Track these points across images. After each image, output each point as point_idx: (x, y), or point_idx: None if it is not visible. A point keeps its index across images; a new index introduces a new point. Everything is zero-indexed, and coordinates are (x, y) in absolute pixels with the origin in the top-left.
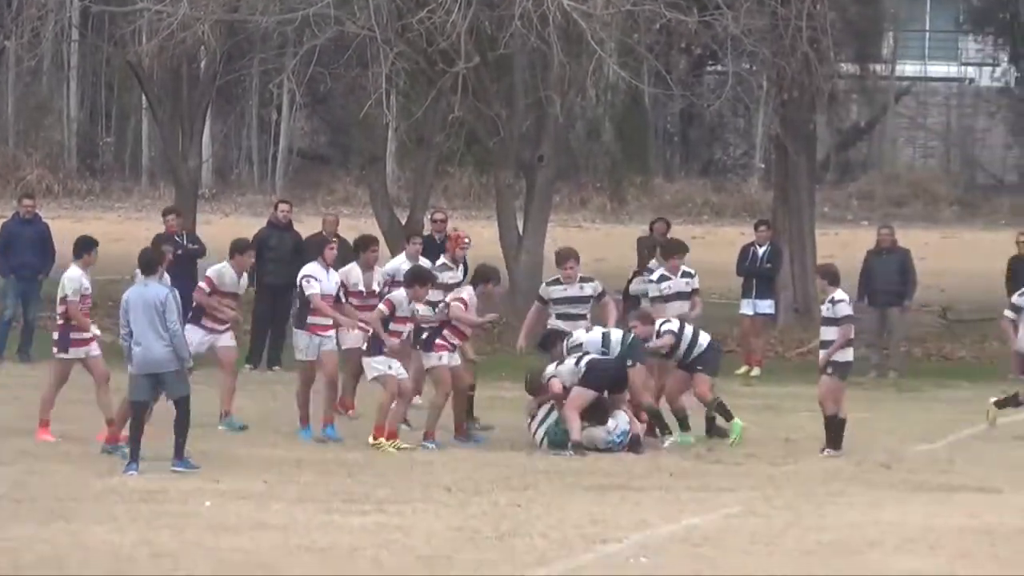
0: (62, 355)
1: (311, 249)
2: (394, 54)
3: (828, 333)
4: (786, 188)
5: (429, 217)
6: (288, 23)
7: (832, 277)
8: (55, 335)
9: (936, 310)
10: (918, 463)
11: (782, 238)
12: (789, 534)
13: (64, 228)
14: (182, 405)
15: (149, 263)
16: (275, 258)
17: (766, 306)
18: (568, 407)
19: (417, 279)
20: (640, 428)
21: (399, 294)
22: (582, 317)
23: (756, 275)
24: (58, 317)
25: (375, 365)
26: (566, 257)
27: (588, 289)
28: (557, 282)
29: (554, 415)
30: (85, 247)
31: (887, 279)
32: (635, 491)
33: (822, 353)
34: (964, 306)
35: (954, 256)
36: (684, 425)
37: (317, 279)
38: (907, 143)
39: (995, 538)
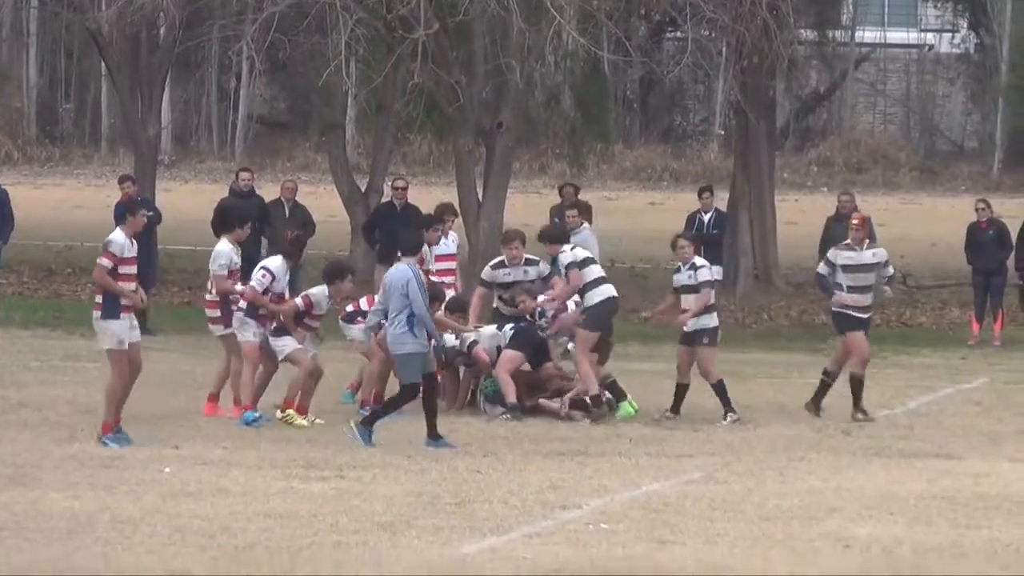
0: (227, 329)
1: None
2: (353, 21)
3: (688, 301)
4: (746, 154)
5: (390, 184)
6: None
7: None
8: (214, 312)
9: (896, 276)
10: (878, 429)
11: (742, 205)
12: (749, 500)
13: (23, 195)
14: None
15: (411, 246)
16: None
17: (716, 272)
18: (500, 370)
19: (337, 274)
20: (599, 391)
21: (320, 292)
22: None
23: (703, 241)
24: (209, 293)
25: (281, 346)
26: (512, 238)
27: (532, 273)
28: (502, 264)
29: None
30: (237, 221)
31: None
32: (594, 457)
33: (690, 322)
34: (924, 273)
35: (914, 222)
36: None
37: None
38: (866, 109)
39: (954, 503)
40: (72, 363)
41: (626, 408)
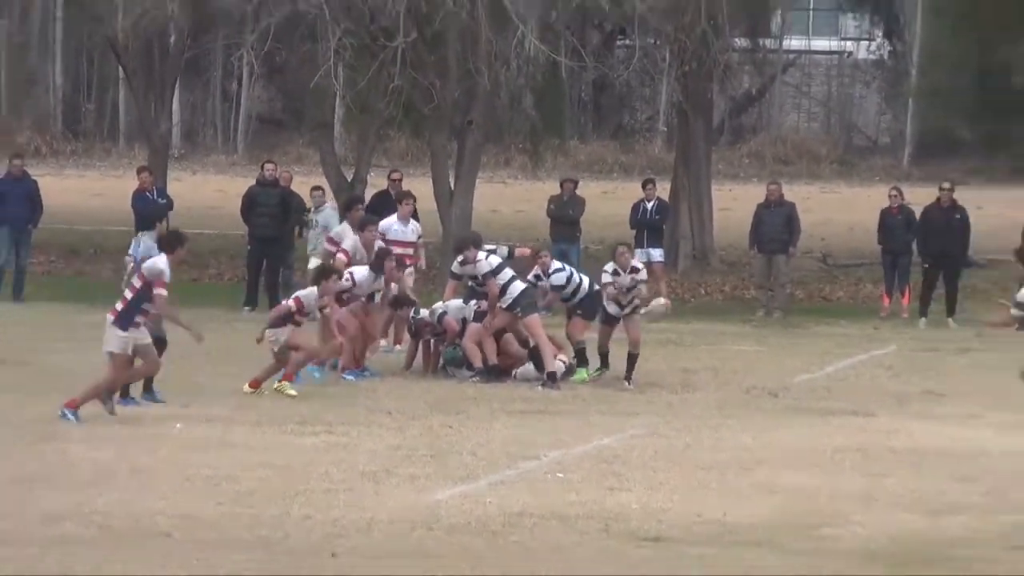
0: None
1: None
2: (341, 30)
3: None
4: (686, 149)
5: (388, 176)
6: (247, 2)
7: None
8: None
9: (817, 256)
10: (801, 391)
11: (683, 194)
12: (688, 453)
13: (50, 185)
14: None
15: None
16: (264, 212)
17: (657, 254)
18: (466, 340)
19: (323, 275)
20: (559, 367)
21: (310, 295)
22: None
23: (646, 227)
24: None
25: (279, 335)
26: (462, 248)
27: (485, 266)
28: (464, 261)
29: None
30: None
31: (774, 229)
32: (552, 415)
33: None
34: (842, 253)
35: (833, 209)
36: (583, 360)
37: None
38: (792, 109)
39: (866, 455)
40: (95, 333)
41: (581, 374)
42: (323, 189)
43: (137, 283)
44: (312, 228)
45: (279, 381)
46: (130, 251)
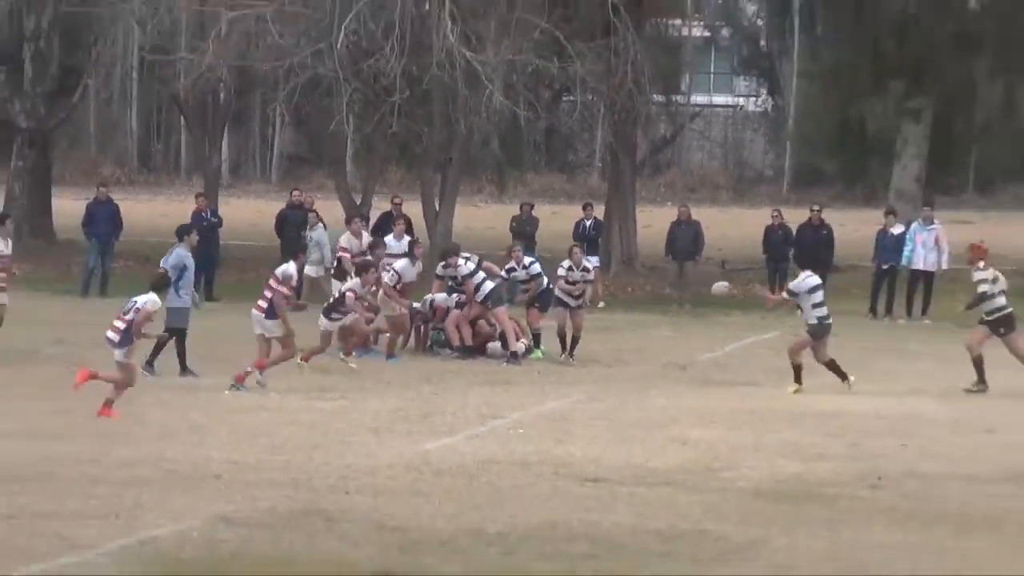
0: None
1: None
2: (351, 89)
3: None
4: (616, 180)
5: (391, 200)
6: (279, 68)
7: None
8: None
9: (717, 262)
10: (705, 366)
11: (614, 215)
12: (618, 413)
13: (128, 208)
14: None
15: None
16: (292, 228)
17: (594, 261)
18: (448, 324)
19: (363, 269)
20: (520, 347)
21: (357, 285)
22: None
23: (586, 240)
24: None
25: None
26: (449, 255)
27: (464, 270)
28: (445, 266)
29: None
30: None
31: (685, 241)
32: (514, 385)
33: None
34: (737, 260)
35: (730, 227)
36: (537, 343)
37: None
38: (698, 149)
39: (755, 416)
40: (160, 319)
41: (537, 353)
42: (316, 212)
43: (273, 283)
44: (309, 243)
45: (343, 355)
46: (162, 262)
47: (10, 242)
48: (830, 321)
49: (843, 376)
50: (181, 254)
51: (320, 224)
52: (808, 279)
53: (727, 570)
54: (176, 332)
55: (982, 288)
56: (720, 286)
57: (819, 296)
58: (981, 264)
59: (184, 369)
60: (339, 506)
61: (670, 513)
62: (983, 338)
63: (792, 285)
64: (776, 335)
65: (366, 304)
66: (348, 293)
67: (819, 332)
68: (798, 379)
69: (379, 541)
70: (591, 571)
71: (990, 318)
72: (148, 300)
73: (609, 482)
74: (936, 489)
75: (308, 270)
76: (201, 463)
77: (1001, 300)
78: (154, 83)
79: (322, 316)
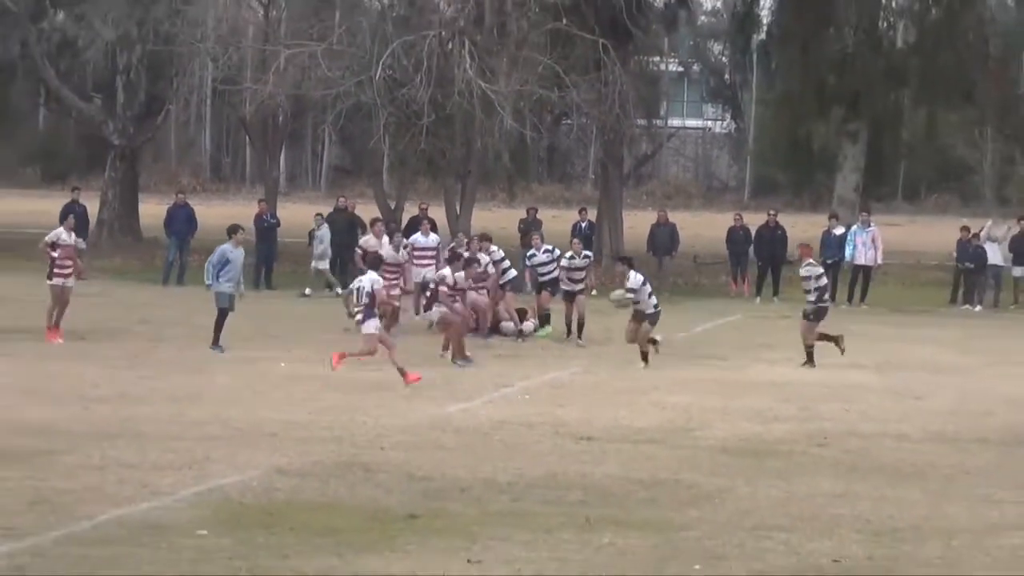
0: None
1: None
2: (387, 113)
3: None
4: (606, 188)
5: (419, 206)
6: (328, 95)
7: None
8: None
9: (690, 258)
10: (680, 343)
11: (604, 217)
12: (609, 383)
13: (201, 211)
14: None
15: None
16: (337, 230)
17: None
18: (483, 313)
19: (468, 264)
20: (529, 327)
21: (461, 277)
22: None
23: (581, 238)
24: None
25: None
26: (483, 240)
27: (498, 255)
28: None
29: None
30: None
31: (663, 240)
32: (522, 358)
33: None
34: (707, 255)
35: (701, 228)
36: (546, 321)
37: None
38: (673, 164)
39: (722, 384)
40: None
41: (546, 330)
42: (322, 214)
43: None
44: (318, 241)
45: (441, 351)
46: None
47: (73, 235)
48: (826, 305)
49: (812, 356)
50: (224, 249)
51: (324, 225)
52: (810, 267)
53: (700, 513)
54: (220, 311)
55: (807, 285)
56: (618, 293)
57: (823, 282)
58: (810, 261)
59: (215, 343)
60: (375, 459)
61: (652, 465)
62: (812, 327)
63: (803, 271)
64: (738, 317)
65: (453, 298)
66: (441, 288)
67: (818, 315)
68: (810, 359)
69: (409, 489)
70: (585, 514)
71: (812, 307)
72: (370, 281)
73: (600, 440)
74: (873, 446)
75: (316, 263)
76: (260, 423)
77: (816, 294)
78: (224, 108)
79: (364, 319)
